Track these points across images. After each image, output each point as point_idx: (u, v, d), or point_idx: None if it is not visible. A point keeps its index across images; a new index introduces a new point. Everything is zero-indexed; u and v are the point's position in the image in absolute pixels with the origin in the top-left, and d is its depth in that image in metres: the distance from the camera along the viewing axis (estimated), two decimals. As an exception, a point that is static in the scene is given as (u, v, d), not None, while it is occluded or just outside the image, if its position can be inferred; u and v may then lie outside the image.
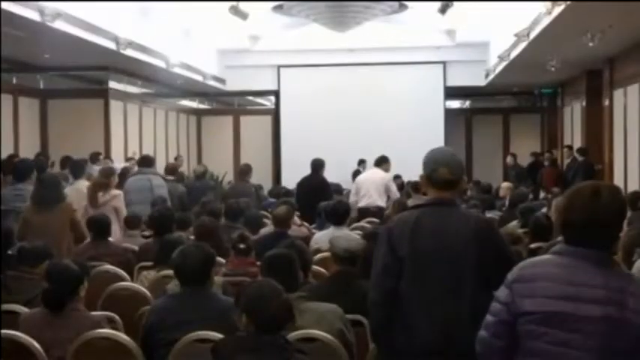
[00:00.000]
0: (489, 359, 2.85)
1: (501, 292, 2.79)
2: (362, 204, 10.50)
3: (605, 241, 2.73)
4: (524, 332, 2.72)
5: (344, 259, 4.68)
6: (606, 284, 2.66)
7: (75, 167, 9.12)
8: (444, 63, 18.12)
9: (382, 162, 11.14)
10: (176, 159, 16.33)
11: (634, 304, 2.62)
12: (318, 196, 9.77)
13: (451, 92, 18.63)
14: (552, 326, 2.66)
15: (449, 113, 18.69)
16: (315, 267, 6.09)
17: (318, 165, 10.94)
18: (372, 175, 11.04)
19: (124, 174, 10.11)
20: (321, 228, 8.40)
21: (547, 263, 2.78)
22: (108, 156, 13.63)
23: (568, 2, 8.65)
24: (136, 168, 10.95)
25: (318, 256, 6.65)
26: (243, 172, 11.62)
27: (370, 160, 11.38)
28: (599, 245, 2.71)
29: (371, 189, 10.61)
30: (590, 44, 10.94)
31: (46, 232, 6.69)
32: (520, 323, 2.72)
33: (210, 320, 3.89)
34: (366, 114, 17.70)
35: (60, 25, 9.46)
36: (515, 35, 11.87)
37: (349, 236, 5.13)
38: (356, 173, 13.87)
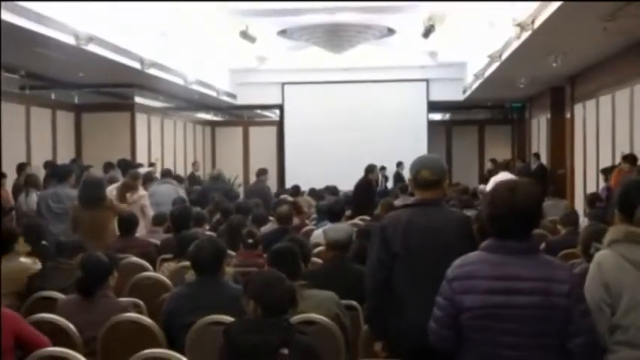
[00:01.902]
0: (441, 348, 2.84)
1: (444, 289, 2.78)
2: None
3: (525, 229, 2.72)
4: (466, 325, 2.71)
5: (334, 247, 4.90)
6: (533, 274, 2.65)
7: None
8: (427, 80, 18.11)
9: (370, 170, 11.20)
10: (194, 164, 16.38)
11: (558, 289, 2.62)
12: (367, 195, 9.85)
13: (433, 106, 18.62)
14: (490, 319, 2.66)
15: (431, 125, 18.68)
16: (314, 258, 6.12)
17: (366, 169, 11.05)
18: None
19: (149, 178, 10.14)
20: (317, 225, 8.40)
21: (480, 261, 2.75)
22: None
23: (535, 28, 8.67)
24: (158, 174, 11.18)
25: (317, 249, 6.67)
26: (261, 172, 11.85)
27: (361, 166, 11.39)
28: (520, 234, 2.70)
29: None
30: (554, 64, 10.96)
31: (92, 227, 6.78)
32: (462, 317, 2.71)
33: (223, 305, 3.89)
34: (359, 126, 17.72)
35: (92, 47, 9.49)
36: (489, 56, 11.88)
37: (338, 228, 5.20)
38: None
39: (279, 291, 3.22)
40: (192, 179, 14.85)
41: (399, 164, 16.80)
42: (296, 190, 12.54)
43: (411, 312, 3.42)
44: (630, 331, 2.86)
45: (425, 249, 3.46)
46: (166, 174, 10.96)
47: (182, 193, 9.84)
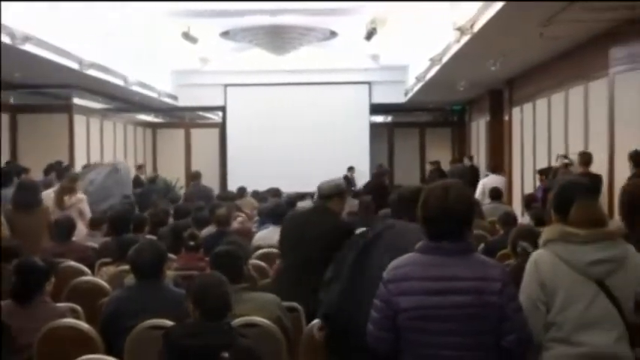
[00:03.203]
0: (380, 350, 2.85)
1: (380, 291, 2.79)
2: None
3: (459, 230, 2.75)
4: (403, 327, 2.73)
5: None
6: (467, 274, 2.68)
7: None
8: (369, 83, 18.22)
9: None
10: (139, 167, 16.19)
11: (491, 288, 2.66)
12: (384, 198, 9.92)
13: (375, 108, 18.73)
14: (426, 319, 2.68)
15: (374, 127, 18.78)
16: (256, 261, 6.12)
17: (381, 172, 11.16)
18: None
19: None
20: (260, 228, 8.37)
21: (415, 262, 2.77)
22: (72, 166, 13.36)
23: (474, 32, 8.81)
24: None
25: (260, 251, 6.67)
26: (195, 176, 11.83)
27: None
28: (454, 235, 2.74)
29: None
30: (493, 68, 11.16)
31: (26, 232, 6.63)
32: (399, 319, 2.73)
33: (163, 309, 3.85)
34: (301, 128, 17.72)
35: (29, 47, 9.27)
36: (430, 60, 12.03)
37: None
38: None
39: (215, 294, 3.20)
40: (137, 182, 14.65)
41: (350, 169, 16.98)
42: (241, 192, 12.50)
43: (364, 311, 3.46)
44: (564, 329, 2.93)
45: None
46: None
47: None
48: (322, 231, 5.00)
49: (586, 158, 8.63)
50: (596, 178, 8.13)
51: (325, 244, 4.90)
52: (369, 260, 3.32)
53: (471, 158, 16.25)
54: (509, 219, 6.90)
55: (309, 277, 4.84)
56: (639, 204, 3.55)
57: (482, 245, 6.41)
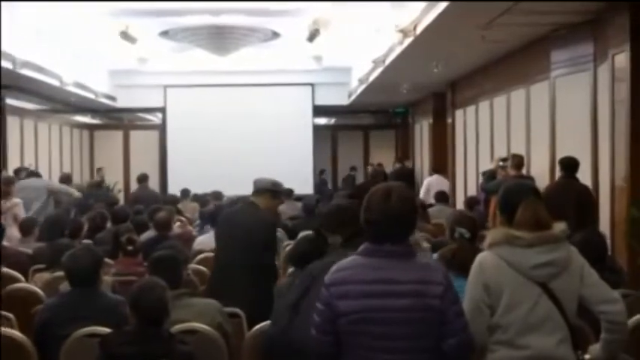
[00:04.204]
0: (322, 354, 2.83)
1: (322, 294, 2.78)
2: None
3: (401, 234, 2.76)
4: (344, 330, 2.72)
5: None
6: (409, 277, 2.69)
7: None
8: (312, 85, 18.23)
9: None
10: (99, 170, 16.07)
11: (432, 291, 2.67)
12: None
13: (319, 111, 18.75)
14: (367, 323, 2.67)
15: (317, 129, 18.80)
16: (196, 266, 6.05)
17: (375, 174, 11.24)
18: None
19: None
20: (202, 232, 8.30)
21: (356, 265, 2.76)
22: (4, 168, 13.01)
23: (417, 34, 8.89)
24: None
25: (200, 256, 6.60)
26: (143, 178, 11.78)
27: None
28: (396, 238, 2.74)
29: None
30: (435, 70, 11.28)
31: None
32: (339, 322, 2.71)
33: (100, 316, 3.78)
34: (244, 130, 17.63)
35: (-43, 45, 9.00)
36: (373, 61, 12.10)
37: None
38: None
39: (155, 300, 3.15)
40: (98, 185, 14.33)
41: (322, 171, 17.26)
42: (185, 195, 12.38)
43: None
44: (509, 331, 2.95)
45: None
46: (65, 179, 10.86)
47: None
48: (248, 227, 5.06)
49: (517, 161, 8.73)
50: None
51: (252, 240, 4.95)
52: (307, 301, 3.33)
53: (400, 160, 16.58)
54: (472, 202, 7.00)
55: (241, 277, 4.87)
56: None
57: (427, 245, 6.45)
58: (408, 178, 14.63)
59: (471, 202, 9.57)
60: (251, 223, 5.13)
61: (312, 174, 18.00)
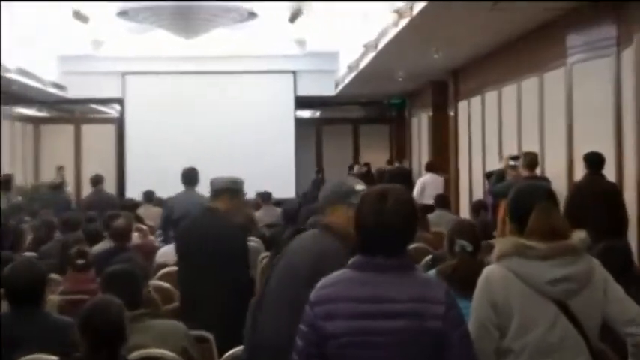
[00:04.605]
0: None
1: (306, 314, 2.75)
2: None
3: (398, 244, 2.73)
4: (331, 354, 2.68)
5: None
6: (405, 295, 2.66)
7: None
8: (294, 72, 18.28)
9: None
10: (60, 168, 15.95)
11: (432, 311, 2.64)
12: None
13: (301, 102, 18.81)
14: (356, 347, 2.64)
15: (299, 123, 18.86)
16: (159, 282, 6.01)
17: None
18: None
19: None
20: (166, 242, 8.26)
21: (345, 280, 2.74)
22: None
23: (414, 15, 8.89)
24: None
25: (164, 270, 6.56)
26: (97, 180, 11.69)
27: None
28: (392, 249, 2.71)
29: None
30: (435, 56, 11.32)
31: None
32: (327, 346, 2.68)
33: (44, 341, 3.74)
34: (214, 125, 17.63)
35: None
36: (364, 46, 12.11)
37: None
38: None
39: (109, 322, 3.12)
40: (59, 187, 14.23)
41: (319, 171, 17.84)
42: (148, 198, 12.32)
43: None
44: (522, 357, 2.94)
45: None
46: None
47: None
48: (210, 237, 5.06)
49: (529, 160, 8.70)
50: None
51: (217, 251, 4.94)
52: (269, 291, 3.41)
53: (394, 159, 16.56)
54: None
55: (208, 296, 4.85)
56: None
57: (427, 258, 6.46)
58: (405, 179, 14.66)
59: (476, 207, 9.58)
60: (214, 232, 5.15)
61: (295, 175, 17.99)
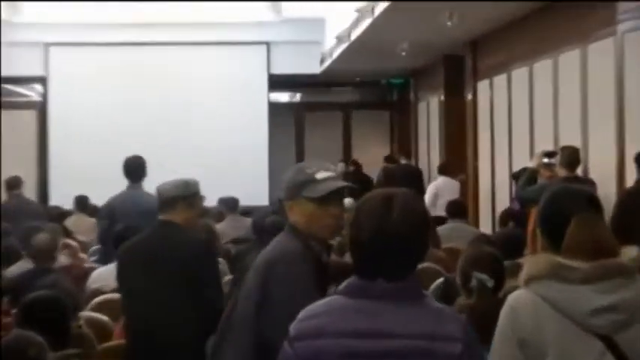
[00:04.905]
0: None
1: (283, 353, 2.77)
2: None
3: (405, 264, 2.74)
4: None
5: None
6: (412, 329, 2.67)
7: None
8: (267, 44, 18.21)
9: None
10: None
11: (446, 350, 2.66)
12: None
13: (277, 82, 18.74)
14: None
15: (274, 108, 18.80)
16: (92, 314, 6.00)
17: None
18: None
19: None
20: (105, 261, 8.24)
21: (335, 310, 2.76)
22: None
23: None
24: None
25: (99, 299, 6.56)
26: (14, 184, 11.74)
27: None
28: (396, 271, 2.72)
29: None
30: (449, 23, 11.32)
31: None
32: None
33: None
34: (165, 111, 17.54)
35: None
36: (357, 11, 12.12)
37: None
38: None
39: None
40: None
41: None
42: (81, 206, 12.29)
43: None
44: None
45: None
46: None
47: None
48: (168, 258, 5.05)
49: (569, 156, 8.71)
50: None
51: (177, 275, 4.93)
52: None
53: (395, 155, 16.70)
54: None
55: (167, 333, 4.85)
56: None
57: (438, 281, 6.49)
58: (415, 181, 14.62)
59: (505, 218, 9.49)
60: (171, 250, 5.12)
61: (268, 176, 17.96)
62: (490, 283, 4.27)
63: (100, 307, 6.30)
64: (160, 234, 5.29)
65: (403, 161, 16.47)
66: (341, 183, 3.67)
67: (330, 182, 3.57)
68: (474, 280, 4.30)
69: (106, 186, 14.71)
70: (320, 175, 3.51)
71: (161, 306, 5.04)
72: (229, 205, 11.78)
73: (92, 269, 7.89)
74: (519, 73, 12.12)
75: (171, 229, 5.23)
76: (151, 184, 12.35)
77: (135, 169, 9.01)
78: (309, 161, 3.84)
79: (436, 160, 16.32)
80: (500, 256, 4.73)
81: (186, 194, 5.28)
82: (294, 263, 3.44)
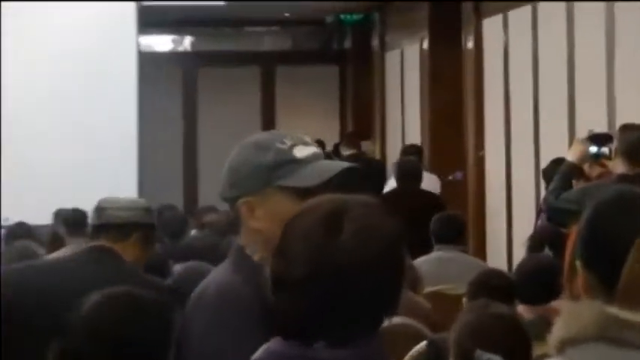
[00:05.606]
0: None
1: None
2: None
3: (360, 320, 2.65)
4: None
5: None
6: None
7: None
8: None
9: None
10: None
11: None
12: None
13: (150, 19, 18.79)
14: None
15: (150, 59, 18.82)
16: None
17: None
18: None
19: None
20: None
21: None
22: None
23: None
24: None
25: None
26: None
27: None
28: (346, 331, 2.65)
29: None
30: None
31: None
32: None
33: None
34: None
35: None
36: None
37: None
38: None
39: None
40: None
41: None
42: None
43: None
44: None
45: None
46: None
47: None
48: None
49: (630, 142, 8.76)
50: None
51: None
52: None
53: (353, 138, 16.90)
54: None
55: None
56: None
57: (418, 346, 6.72)
58: (379, 180, 14.81)
59: (535, 243, 9.64)
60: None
61: (137, 167, 17.96)
62: None
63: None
64: (91, 272, 5.24)
65: (370, 149, 16.57)
66: (340, 164, 3.72)
67: (322, 164, 3.46)
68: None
69: None
70: (301, 153, 3.35)
71: None
72: (70, 222, 11.92)
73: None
74: (547, 9, 12.37)
75: (109, 263, 5.09)
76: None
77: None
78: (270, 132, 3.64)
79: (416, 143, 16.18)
80: (521, 318, 4.83)
81: (146, 222, 5.47)
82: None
